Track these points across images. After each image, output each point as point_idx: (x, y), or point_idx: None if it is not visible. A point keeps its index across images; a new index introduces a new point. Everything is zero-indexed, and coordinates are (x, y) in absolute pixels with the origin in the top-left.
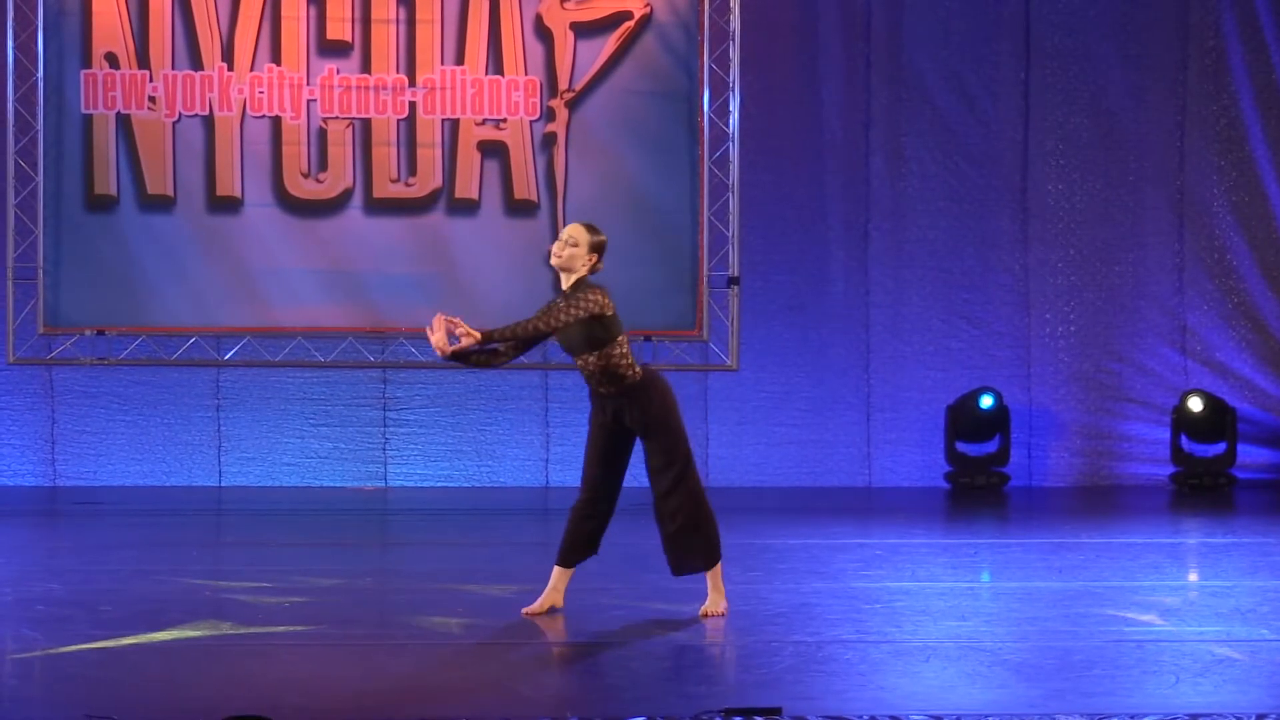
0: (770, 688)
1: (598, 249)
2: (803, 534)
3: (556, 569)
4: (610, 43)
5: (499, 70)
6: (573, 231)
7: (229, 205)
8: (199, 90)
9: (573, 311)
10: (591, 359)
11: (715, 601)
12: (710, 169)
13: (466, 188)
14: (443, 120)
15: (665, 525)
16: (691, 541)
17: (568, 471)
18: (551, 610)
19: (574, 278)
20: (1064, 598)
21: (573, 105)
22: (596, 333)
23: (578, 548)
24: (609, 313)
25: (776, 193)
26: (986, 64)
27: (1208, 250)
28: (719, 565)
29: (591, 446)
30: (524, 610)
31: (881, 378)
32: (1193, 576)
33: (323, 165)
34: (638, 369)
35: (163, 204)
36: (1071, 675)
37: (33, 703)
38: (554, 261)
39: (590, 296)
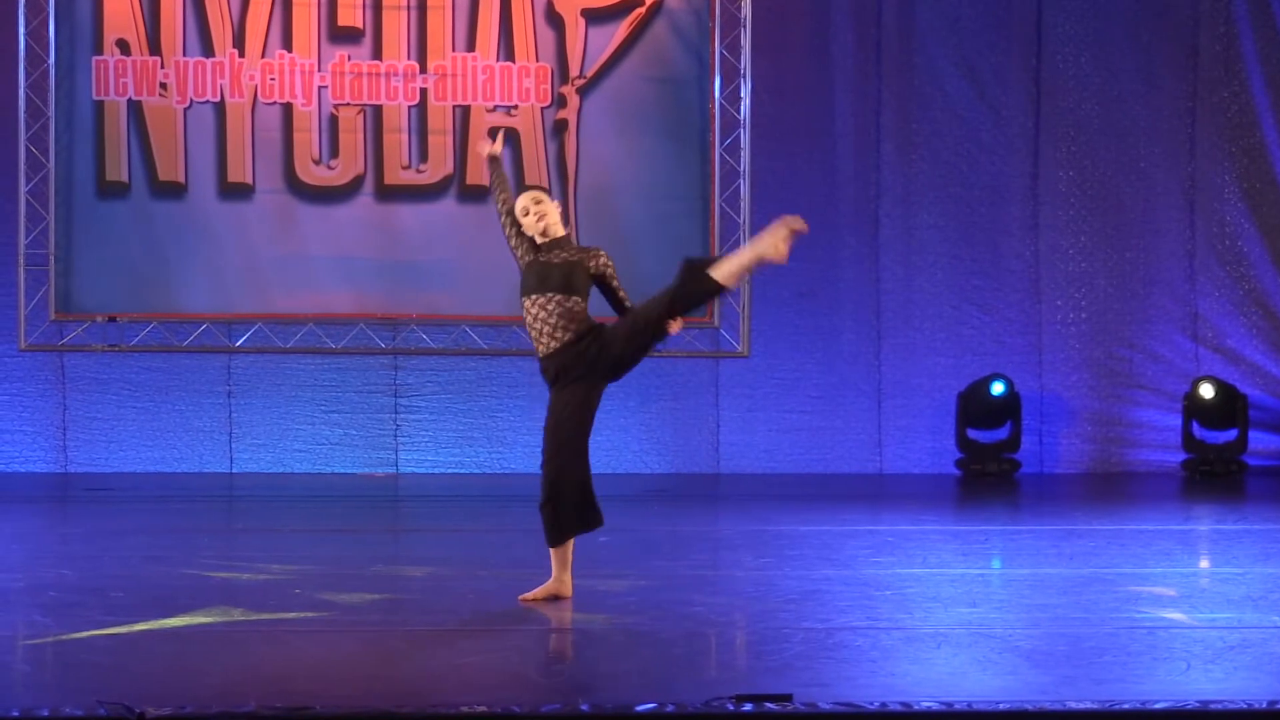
0: (781, 674)
1: (550, 194)
2: (813, 520)
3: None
4: (621, 29)
5: (510, 57)
6: (536, 197)
7: (240, 192)
8: (210, 77)
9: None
10: (559, 299)
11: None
12: (721, 155)
13: (478, 174)
14: (454, 107)
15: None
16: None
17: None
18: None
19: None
20: (1075, 584)
21: (584, 92)
22: (579, 281)
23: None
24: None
25: (788, 179)
26: (997, 50)
27: (1219, 237)
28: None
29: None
30: (521, 597)
31: (892, 364)
32: (1204, 563)
33: (334, 152)
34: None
35: (174, 190)
36: (1082, 662)
37: (45, 689)
38: (534, 229)
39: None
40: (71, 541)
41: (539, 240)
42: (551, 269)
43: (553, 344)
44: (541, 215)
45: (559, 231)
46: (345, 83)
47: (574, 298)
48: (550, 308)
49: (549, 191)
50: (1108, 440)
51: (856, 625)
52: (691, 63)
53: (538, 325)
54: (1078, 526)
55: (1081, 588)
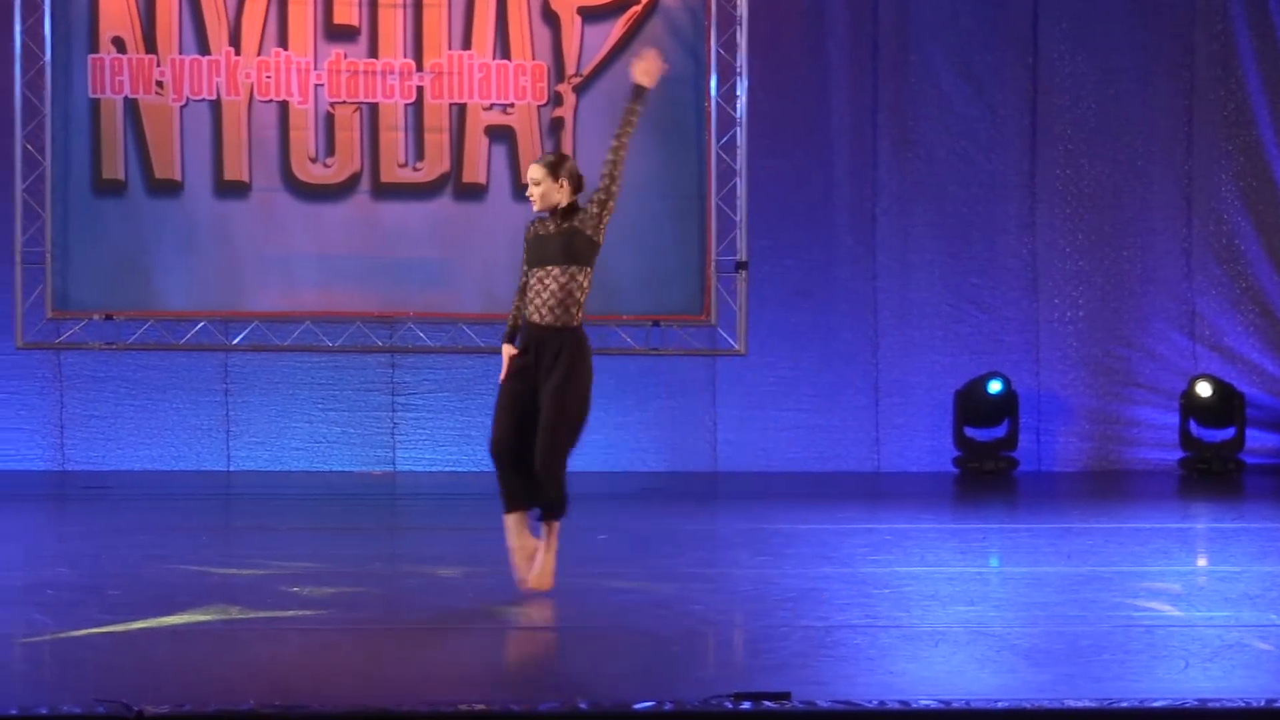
0: (779, 672)
1: (558, 171)
2: (811, 519)
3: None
4: (618, 27)
5: (506, 55)
6: (531, 174)
7: (236, 190)
8: (206, 75)
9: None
10: (558, 273)
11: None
12: (718, 154)
13: (474, 172)
14: (450, 105)
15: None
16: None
17: (576, 455)
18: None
19: (563, 206)
20: (1073, 583)
21: (580, 90)
22: (580, 247)
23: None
24: (599, 239)
25: (784, 177)
26: (994, 49)
27: (1215, 235)
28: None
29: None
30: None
31: (889, 362)
32: (1201, 561)
33: (330, 150)
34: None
35: (170, 188)
36: (1080, 660)
37: (42, 687)
38: (536, 208)
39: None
40: (69, 540)
41: (543, 211)
42: (549, 240)
43: (547, 318)
44: (531, 194)
45: (556, 201)
46: (341, 81)
47: (571, 268)
48: (549, 283)
49: (553, 166)
50: (1105, 438)
51: (855, 623)
52: (687, 61)
53: (538, 298)
54: (1075, 525)
55: (1079, 586)
